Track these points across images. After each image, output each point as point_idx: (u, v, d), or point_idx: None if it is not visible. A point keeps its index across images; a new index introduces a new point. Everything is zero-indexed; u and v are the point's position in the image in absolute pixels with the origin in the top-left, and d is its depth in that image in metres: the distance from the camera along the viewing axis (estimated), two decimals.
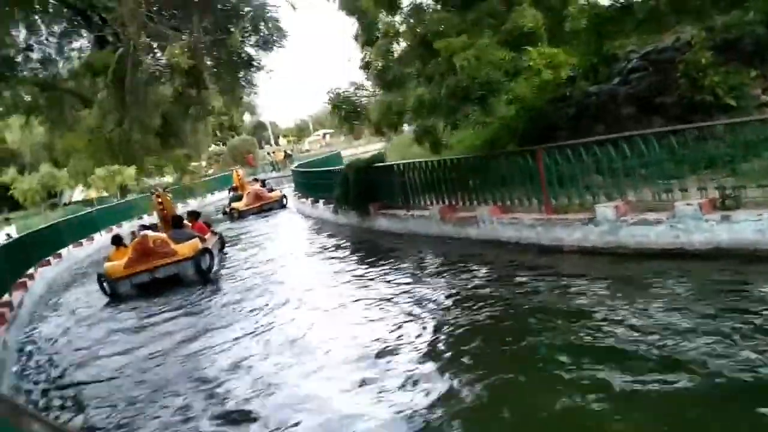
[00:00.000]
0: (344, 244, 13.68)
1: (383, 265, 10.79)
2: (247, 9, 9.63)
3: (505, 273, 8.67)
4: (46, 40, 10.66)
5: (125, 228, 25.02)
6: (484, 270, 9.09)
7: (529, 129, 11.99)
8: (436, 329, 6.99)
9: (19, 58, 11.12)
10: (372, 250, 12.28)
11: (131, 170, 35.11)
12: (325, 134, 78.38)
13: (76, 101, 12.56)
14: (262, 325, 8.52)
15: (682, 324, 5.67)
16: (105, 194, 39.64)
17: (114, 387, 7.21)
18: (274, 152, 55.76)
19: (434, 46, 9.62)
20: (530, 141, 10.91)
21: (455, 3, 10.70)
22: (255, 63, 10.06)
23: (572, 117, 12.36)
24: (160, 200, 14.54)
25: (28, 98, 12.43)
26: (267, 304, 9.60)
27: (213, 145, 55.48)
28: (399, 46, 12.39)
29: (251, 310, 9.46)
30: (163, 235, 12.68)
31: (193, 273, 12.13)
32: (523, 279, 8.17)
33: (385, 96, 11.39)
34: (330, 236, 14.97)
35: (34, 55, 10.87)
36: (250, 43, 10.08)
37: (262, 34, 9.68)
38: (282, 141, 76.65)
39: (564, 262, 8.66)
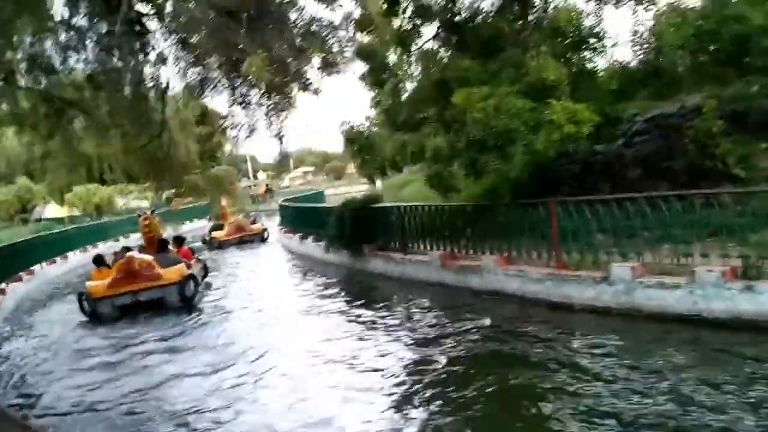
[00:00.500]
0: (334, 285, 13.29)
1: (379, 308, 10.46)
2: (318, 28, 9.15)
3: (511, 328, 8.38)
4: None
5: (101, 248, 24.28)
6: (487, 323, 8.78)
7: (529, 182, 11.89)
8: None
9: (23, 66, 10.70)
10: (365, 292, 11.95)
11: (108, 190, 34.41)
12: (305, 172, 78.43)
13: (77, 113, 12.14)
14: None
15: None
16: (76, 213, 38.70)
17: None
18: (255, 185, 55.31)
19: (454, 100, 9.50)
20: (531, 194, 10.78)
21: (473, 49, 10.68)
22: (310, 85, 9.47)
23: (577, 173, 12.32)
24: (147, 222, 14.37)
25: (25, 107, 11.95)
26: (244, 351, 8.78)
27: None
28: (409, 87, 12.35)
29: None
30: (149, 258, 12.34)
31: (177, 299, 11.85)
32: (532, 337, 7.86)
33: (399, 135, 11.23)
34: (320, 276, 14.55)
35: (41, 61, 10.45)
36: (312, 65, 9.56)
37: (328, 56, 9.25)
38: (261, 175, 76.27)
39: (574, 321, 8.43)
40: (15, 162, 34.19)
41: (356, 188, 50.28)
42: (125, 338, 10.14)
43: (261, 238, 24.10)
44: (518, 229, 10.20)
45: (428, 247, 12.22)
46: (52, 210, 39.12)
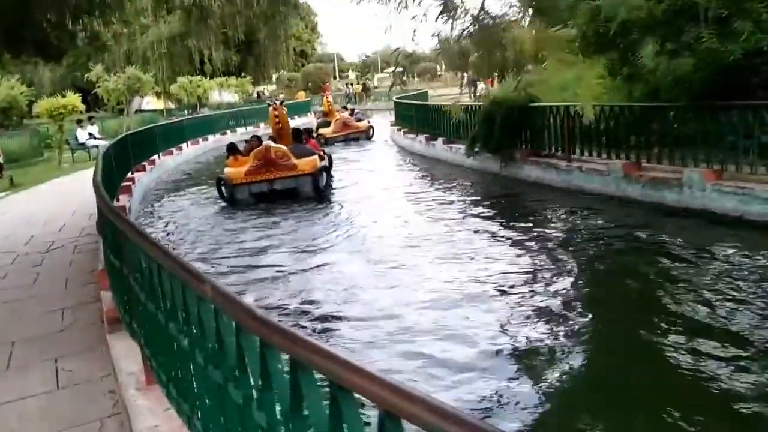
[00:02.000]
0: (481, 196, 12.05)
1: (547, 226, 9.20)
2: None
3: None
4: None
5: (210, 142, 23.93)
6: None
7: (710, 82, 9.82)
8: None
9: None
10: (522, 205, 10.73)
11: (211, 83, 33.94)
12: (395, 72, 75.90)
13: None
14: None
15: None
16: (171, 106, 38.72)
17: None
18: (352, 83, 53.80)
19: None
20: (712, 98, 8.85)
21: None
22: None
23: None
24: (276, 113, 14.13)
25: None
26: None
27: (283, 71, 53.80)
28: None
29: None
30: (284, 148, 12.28)
31: (310, 189, 11.97)
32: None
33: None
34: (461, 184, 13.25)
35: None
36: None
37: None
38: (351, 75, 74.43)
39: None
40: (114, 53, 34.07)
41: (455, 91, 48.09)
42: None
43: (366, 135, 23.75)
44: (735, 137, 8.46)
45: (601, 155, 10.66)
46: (150, 103, 39.41)
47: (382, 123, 26.09)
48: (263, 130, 29.18)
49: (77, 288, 6.63)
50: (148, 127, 18.65)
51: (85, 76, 26.84)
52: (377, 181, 14.50)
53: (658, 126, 9.66)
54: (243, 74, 38.95)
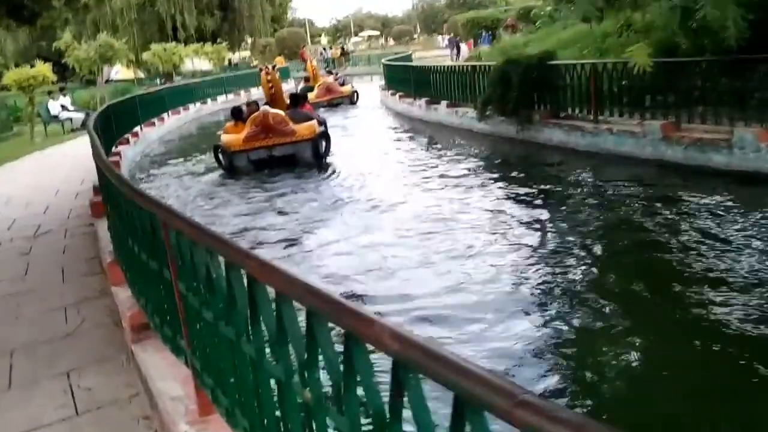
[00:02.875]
0: (497, 162, 11.33)
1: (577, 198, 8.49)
2: None
3: None
4: None
5: (191, 111, 22.81)
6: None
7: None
8: None
9: None
10: (545, 172, 10.02)
11: (186, 50, 32.43)
12: (370, 36, 74.48)
13: None
14: None
15: None
16: (141, 76, 37.08)
17: None
18: (331, 47, 52.13)
19: None
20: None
21: None
22: None
23: None
24: (269, 77, 13.67)
25: None
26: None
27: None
28: None
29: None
30: (282, 113, 11.86)
31: (310, 155, 11.58)
32: None
33: None
34: (473, 150, 12.52)
35: None
36: None
37: None
38: (323, 40, 72.72)
39: None
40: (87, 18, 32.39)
41: (433, 53, 46.97)
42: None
43: (350, 100, 23.01)
44: None
45: (633, 116, 9.96)
46: (119, 72, 37.69)
47: (364, 88, 25.22)
48: (243, 98, 28.11)
49: (77, 280, 5.79)
50: (127, 97, 17.47)
51: (53, 44, 25.35)
52: (377, 148, 13.75)
53: (702, 82, 8.96)
54: (219, 40, 37.37)
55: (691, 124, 9.12)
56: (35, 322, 4.84)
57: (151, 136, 17.07)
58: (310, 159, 11.56)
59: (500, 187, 9.33)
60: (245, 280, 1.93)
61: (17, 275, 6.08)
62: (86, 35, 26.19)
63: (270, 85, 13.56)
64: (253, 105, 12.79)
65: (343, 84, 24.00)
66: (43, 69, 18.96)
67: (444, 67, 16.17)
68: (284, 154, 11.52)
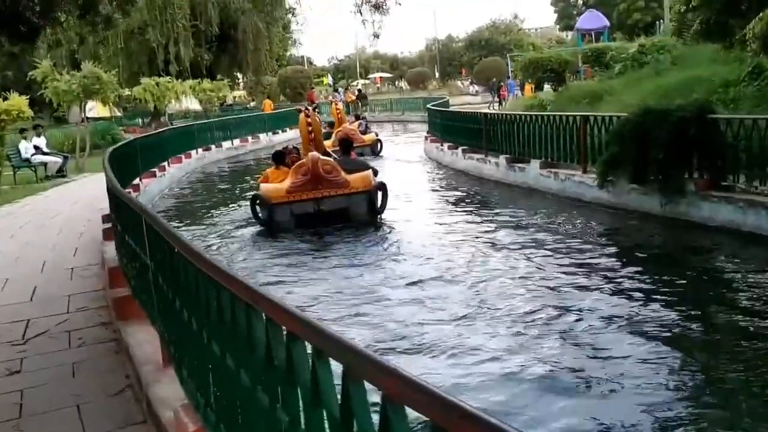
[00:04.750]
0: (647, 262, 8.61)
1: None
2: None
3: None
4: None
5: (193, 159, 20.05)
6: None
7: None
8: None
9: None
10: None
11: (182, 86, 29.76)
12: (381, 78, 72.91)
13: None
14: None
15: None
16: (118, 114, 34.25)
17: None
18: (346, 90, 49.53)
19: None
20: None
21: None
22: None
23: None
24: (309, 120, 12.57)
25: None
26: None
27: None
28: None
29: None
30: (333, 161, 11.11)
31: (365, 210, 10.66)
32: None
33: None
34: (605, 235, 9.62)
35: None
36: None
37: None
38: (328, 80, 70.74)
39: None
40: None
41: (462, 99, 44.89)
42: None
43: (373, 150, 20.57)
44: None
45: None
46: (93, 110, 34.72)
47: (389, 137, 22.82)
48: (251, 145, 25.37)
49: None
50: (125, 142, 14.65)
51: (29, 74, 22.54)
52: (440, 221, 11.21)
53: None
54: (219, 76, 34.72)
55: None
56: None
57: (152, 189, 14.24)
58: (365, 215, 10.65)
59: (665, 305, 6.40)
60: None
61: None
62: (60, 66, 23.54)
63: (309, 129, 12.50)
64: (293, 151, 12.04)
65: (365, 132, 21.66)
66: (19, 102, 16.33)
67: (534, 116, 13.47)
68: (334, 208, 10.50)
